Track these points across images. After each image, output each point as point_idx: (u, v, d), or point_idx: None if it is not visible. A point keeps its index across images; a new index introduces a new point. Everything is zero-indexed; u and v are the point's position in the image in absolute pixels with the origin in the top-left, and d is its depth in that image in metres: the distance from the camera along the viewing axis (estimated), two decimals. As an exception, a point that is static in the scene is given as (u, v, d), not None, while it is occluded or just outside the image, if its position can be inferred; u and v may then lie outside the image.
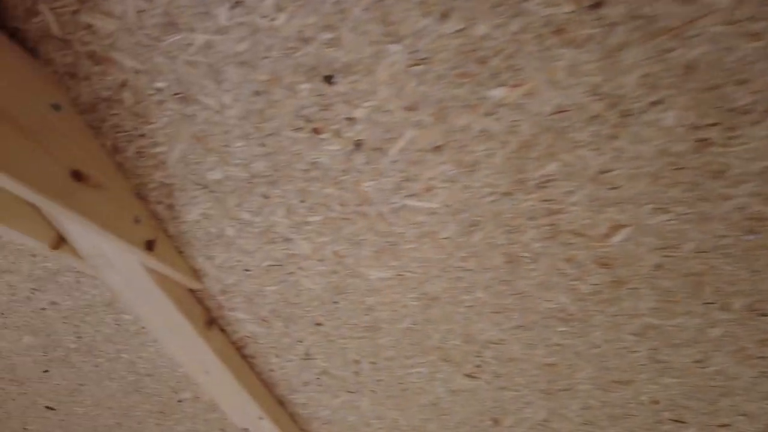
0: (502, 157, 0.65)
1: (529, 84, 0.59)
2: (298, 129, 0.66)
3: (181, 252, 0.84)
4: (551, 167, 0.65)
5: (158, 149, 0.72)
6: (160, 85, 0.65)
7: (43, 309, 1.04)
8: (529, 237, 0.72)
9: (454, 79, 0.59)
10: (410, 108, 0.62)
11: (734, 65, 0.55)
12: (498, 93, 0.60)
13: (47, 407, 1.32)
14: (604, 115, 0.60)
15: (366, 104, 0.62)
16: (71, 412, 1.32)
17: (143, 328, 1.02)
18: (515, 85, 0.59)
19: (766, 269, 0.71)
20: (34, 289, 0.99)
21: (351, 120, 0.64)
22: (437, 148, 0.65)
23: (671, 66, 0.56)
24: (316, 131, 0.66)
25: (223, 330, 0.96)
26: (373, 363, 0.94)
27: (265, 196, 0.74)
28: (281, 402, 1.07)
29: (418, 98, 0.61)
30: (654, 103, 0.58)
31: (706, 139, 0.60)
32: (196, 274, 0.87)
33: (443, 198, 0.69)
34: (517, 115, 0.61)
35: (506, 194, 0.68)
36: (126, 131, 0.71)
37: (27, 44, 0.64)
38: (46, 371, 1.20)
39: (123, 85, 0.66)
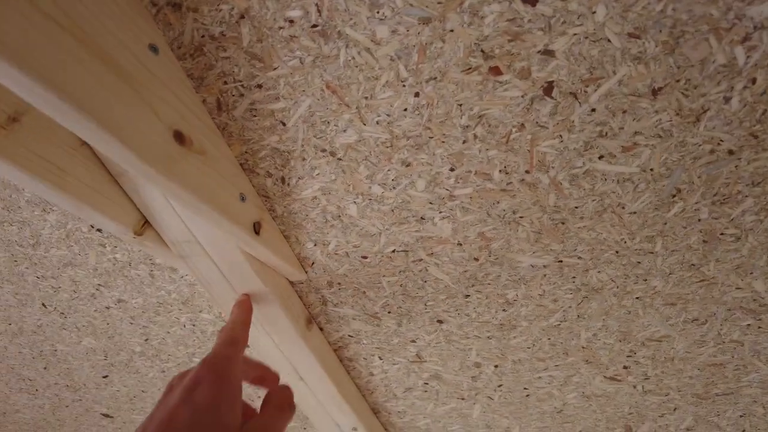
0: (741, 102, 0.46)
1: (815, -7, 0.40)
2: (470, 69, 0.47)
3: (286, 236, 0.65)
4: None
5: (278, 104, 0.53)
6: (293, 14, 0.46)
7: (108, 308, 0.84)
8: (743, 208, 0.53)
9: (708, -10, 0.40)
10: (634, 34, 0.43)
11: None
12: (765, 8, 0.41)
13: (104, 414, 1.12)
14: None
15: (573, 30, 0.44)
16: (129, 420, 1.12)
17: (224, 328, 0.82)
18: (794, -4, 0.40)
19: None
20: (99, 285, 0.80)
21: (547, 54, 0.45)
22: (656, 91, 0.46)
23: None
24: (493, 71, 0.47)
25: (321, 329, 0.76)
26: (498, 366, 0.75)
27: (406, 164, 0.55)
28: (375, 410, 0.88)
29: (647, 20, 0.42)
30: None
31: None
32: (303, 262, 0.67)
33: (645, 159, 0.51)
34: (781, 39, 0.42)
35: (731, 153, 0.49)
36: (238, 81, 0.52)
37: (127, -46, 0.45)
38: (105, 376, 1.00)
39: (243, 16, 0.47)
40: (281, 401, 0.50)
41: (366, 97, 0.51)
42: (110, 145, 0.43)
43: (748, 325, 0.64)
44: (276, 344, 0.73)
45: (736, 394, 0.72)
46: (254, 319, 0.70)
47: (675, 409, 0.77)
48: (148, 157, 0.46)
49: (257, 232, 0.61)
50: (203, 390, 0.42)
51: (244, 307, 0.59)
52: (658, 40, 0.43)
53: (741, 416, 0.75)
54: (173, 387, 0.45)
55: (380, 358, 0.79)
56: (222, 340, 0.50)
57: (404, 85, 0.49)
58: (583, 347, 0.70)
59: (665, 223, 0.55)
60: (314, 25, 0.47)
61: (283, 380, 0.79)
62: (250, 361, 0.54)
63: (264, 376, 0.54)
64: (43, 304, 0.87)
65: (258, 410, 0.50)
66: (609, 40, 0.44)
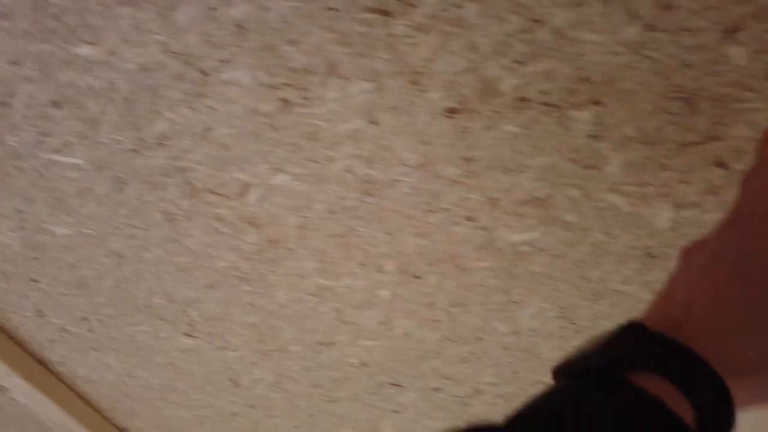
0: (117, 114, 0.64)
1: (107, 42, 0.58)
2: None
3: None
4: (162, 125, 0.64)
5: None
6: None
7: None
8: (173, 195, 0.71)
9: (41, 35, 0.59)
10: (14, 62, 0.61)
11: (280, 25, 0.55)
12: (84, 50, 0.59)
13: None
14: (185, 73, 0.60)
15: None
16: None
17: None
18: (95, 43, 0.59)
19: (399, 232, 0.71)
20: None
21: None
22: (56, 104, 0.64)
23: (224, 24, 0.56)
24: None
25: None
26: (101, 321, 0.93)
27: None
28: (40, 360, 1.06)
29: (18, 53, 0.60)
30: (224, 62, 0.58)
31: (286, 100, 0.60)
32: None
33: (84, 153, 0.69)
34: (118, 73, 0.60)
35: (134, 151, 0.67)
36: None
37: None
38: None
39: None
40: None
41: None
42: None
43: (249, 290, 0.82)
44: None
45: (286, 351, 0.91)
46: None
47: (253, 364, 0.96)
48: None
49: None
50: (750, 243, 0.33)
51: None
52: (34, 67, 0.61)
53: (304, 371, 0.94)
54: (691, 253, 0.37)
55: (12, 312, 0.97)
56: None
57: None
58: (147, 305, 0.88)
59: (131, 204, 0.74)
60: None
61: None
62: None
63: None
64: None
65: None
66: (1, 66, 0.62)
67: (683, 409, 0.29)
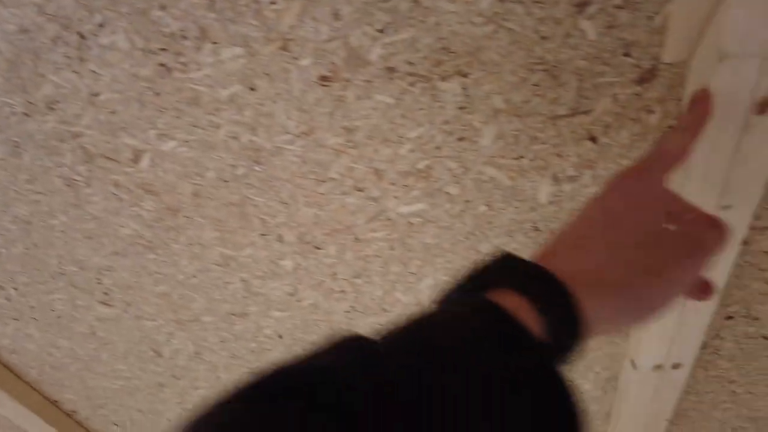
0: (2, 77, 0.65)
1: (-18, 1, 0.59)
2: None
3: None
4: (48, 89, 0.66)
5: None
6: None
7: None
8: (70, 160, 0.73)
9: None
10: None
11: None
12: (-37, 9, 0.60)
13: None
14: (64, 36, 0.61)
15: None
16: None
17: None
18: (-28, 2, 0.60)
19: (293, 201, 0.73)
20: None
21: None
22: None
23: (95, -12, 0.57)
24: None
25: None
26: (16, 289, 0.95)
27: None
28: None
29: None
30: (101, 26, 0.60)
31: (165, 65, 0.62)
32: None
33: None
34: (-10, 32, 0.62)
35: (26, 115, 0.69)
36: None
37: None
38: None
39: None
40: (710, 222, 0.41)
41: None
42: None
43: (154, 258, 0.84)
44: None
45: (200, 322, 0.93)
46: None
47: (171, 335, 0.97)
48: None
49: None
50: (613, 195, 0.41)
51: (697, 109, 0.44)
52: None
53: (221, 342, 0.96)
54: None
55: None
56: (651, 151, 0.44)
57: None
58: (60, 273, 0.90)
59: (30, 169, 0.75)
60: None
61: None
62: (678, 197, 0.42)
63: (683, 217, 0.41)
64: None
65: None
66: None
67: (534, 322, 0.32)
